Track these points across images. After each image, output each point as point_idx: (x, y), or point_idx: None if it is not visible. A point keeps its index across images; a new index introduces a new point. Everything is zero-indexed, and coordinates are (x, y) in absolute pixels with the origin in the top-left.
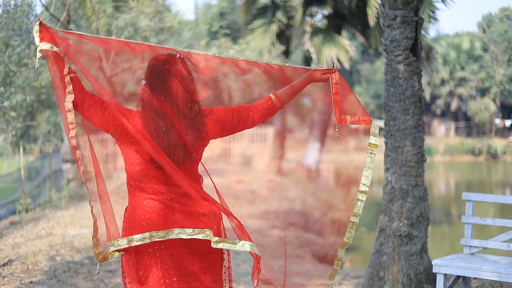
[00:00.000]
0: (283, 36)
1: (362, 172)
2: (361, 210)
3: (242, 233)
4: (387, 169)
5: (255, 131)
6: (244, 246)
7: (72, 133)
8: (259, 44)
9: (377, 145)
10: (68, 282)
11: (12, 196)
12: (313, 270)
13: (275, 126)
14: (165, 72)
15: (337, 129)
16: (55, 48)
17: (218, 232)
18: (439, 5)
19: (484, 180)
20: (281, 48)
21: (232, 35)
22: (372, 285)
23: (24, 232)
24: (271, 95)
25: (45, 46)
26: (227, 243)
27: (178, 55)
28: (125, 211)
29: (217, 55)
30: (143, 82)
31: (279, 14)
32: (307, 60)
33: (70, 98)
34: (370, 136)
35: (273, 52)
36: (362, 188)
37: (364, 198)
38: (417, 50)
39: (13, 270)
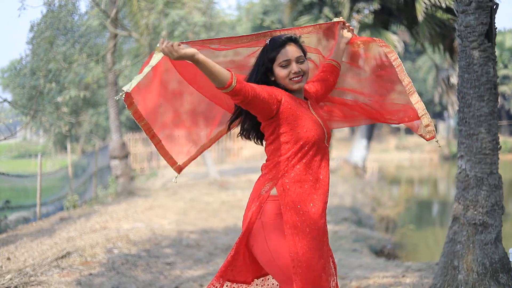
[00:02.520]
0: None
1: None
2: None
3: None
4: (461, 157)
5: None
6: None
7: None
8: (306, 41)
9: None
10: (127, 274)
11: (59, 193)
12: (374, 264)
13: None
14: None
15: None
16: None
17: None
18: None
19: None
20: (332, 42)
21: None
22: (446, 274)
23: (77, 226)
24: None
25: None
26: None
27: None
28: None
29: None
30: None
31: (326, 10)
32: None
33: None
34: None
35: (320, 48)
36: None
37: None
38: (491, 36)
39: (72, 262)
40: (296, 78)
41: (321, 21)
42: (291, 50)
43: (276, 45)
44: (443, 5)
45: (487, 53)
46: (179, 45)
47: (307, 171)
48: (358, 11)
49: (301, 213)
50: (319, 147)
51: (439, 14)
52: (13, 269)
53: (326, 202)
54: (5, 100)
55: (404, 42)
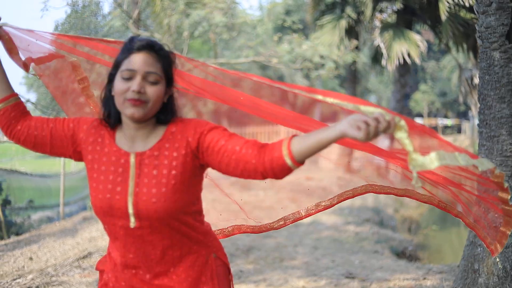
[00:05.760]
0: (352, 32)
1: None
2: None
3: None
4: None
5: None
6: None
7: None
8: (328, 40)
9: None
10: None
11: (82, 193)
12: (394, 265)
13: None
14: None
15: None
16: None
17: None
18: None
19: None
20: (354, 42)
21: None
22: (466, 278)
23: (99, 226)
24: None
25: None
26: None
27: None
28: None
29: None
30: None
31: (348, 10)
32: (377, 55)
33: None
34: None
35: (342, 48)
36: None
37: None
38: None
39: (93, 262)
40: (132, 100)
41: (343, 22)
42: (143, 61)
43: (129, 46)
44: (467, 4)
45: (508, 54)
46: None
47: (122, 259)
48: (381, 11)
49: None
50: (121, 227)
51: (463, 13)
52: (35, 269)
53: None
54: (28, 101)
55: (428, 42)
